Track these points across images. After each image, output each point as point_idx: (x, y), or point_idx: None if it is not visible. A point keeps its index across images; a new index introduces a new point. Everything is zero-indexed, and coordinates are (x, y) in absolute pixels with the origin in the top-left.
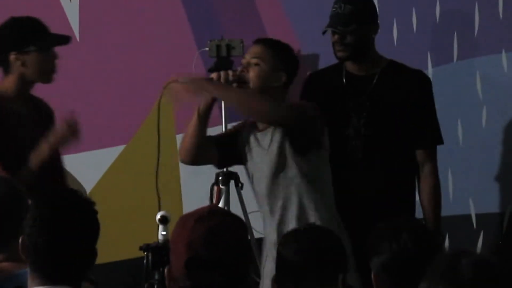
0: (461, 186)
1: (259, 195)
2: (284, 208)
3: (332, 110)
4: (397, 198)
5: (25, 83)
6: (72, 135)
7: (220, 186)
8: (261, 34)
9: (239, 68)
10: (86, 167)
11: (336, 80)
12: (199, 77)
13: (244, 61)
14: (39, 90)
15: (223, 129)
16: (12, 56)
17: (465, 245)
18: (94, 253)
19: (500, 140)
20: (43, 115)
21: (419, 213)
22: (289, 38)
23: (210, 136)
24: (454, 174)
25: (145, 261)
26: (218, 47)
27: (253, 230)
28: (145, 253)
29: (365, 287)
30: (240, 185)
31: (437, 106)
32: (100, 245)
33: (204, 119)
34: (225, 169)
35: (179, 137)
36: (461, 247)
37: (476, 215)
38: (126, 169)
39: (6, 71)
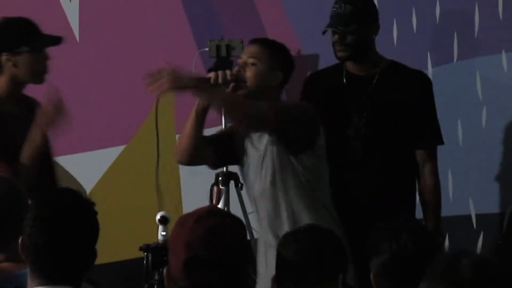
0: (461, 186)
1: (254, 196)
2: (280, 209)
3: (332, 110)
4: (397, 198)
5: (16, 84)
6: (59, 113)
7: (220, 187)
8: (261, 34)
9: (236, 68)
10: (86, 168)
11: (336, 80)
12: (194, 78)
13: (240, 61)
14: (40, 90)
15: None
16: (3, 57)
17: (465, 245)
18: (94, 254)
19: (500, 140)
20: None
21: (419, 213)
22: (289, 38)
23: (205, 136)
24: (454, 174)
25: (145, 262)
26: (218, 47)
27: (253, 230)
28: (145, 253)
29: (363, 287)
30: (240, 185)
31: (437, 106)
32: (100, 245)
33: (201, 119)
34: (224, 170)
35: (179, 137)
36: (461, 247)
37: (476, 215)
38: (126, 170)
39: None
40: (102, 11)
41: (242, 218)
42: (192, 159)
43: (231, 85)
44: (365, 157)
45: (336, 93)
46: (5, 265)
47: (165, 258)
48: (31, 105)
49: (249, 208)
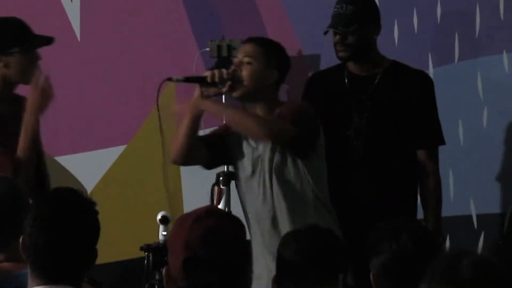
0: (462, 186)
1: (249, 195)
2: (280, 209)
3: (333, 110)
4: (398, 199)
5: (8, 84)
6: (47, 96)
7: (221, 187)
8: (262, 34)
9: (232, 67)
10: (87, 167)
11: (338, 80)
12: (197, 98)
13: (236, 60)
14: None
15: None
16: None
17: (466, 245)
18: (94, 253)
19: (501, 141)
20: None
21: (420, 214)
22: (290, 38)
23: (200, 136)
24: (455, 175)
25: (145, 261)
26: (219, 47)
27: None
28: (146, 253)
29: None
30: None
31: (438, 106)
32: (101, 245)
33: (197, 119)
34: (225, 169)
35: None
36: (461, 247)
37: (477, 215)
38: (126, 169)
39: None
40: (103, 11)
41: (243, 218)
42: (186, 159)
43: (228, 84)
44: (365, 157)
45: (337, 93)
46: (5, 265)
47: (165, 258)
48: (23, 104)
49: None
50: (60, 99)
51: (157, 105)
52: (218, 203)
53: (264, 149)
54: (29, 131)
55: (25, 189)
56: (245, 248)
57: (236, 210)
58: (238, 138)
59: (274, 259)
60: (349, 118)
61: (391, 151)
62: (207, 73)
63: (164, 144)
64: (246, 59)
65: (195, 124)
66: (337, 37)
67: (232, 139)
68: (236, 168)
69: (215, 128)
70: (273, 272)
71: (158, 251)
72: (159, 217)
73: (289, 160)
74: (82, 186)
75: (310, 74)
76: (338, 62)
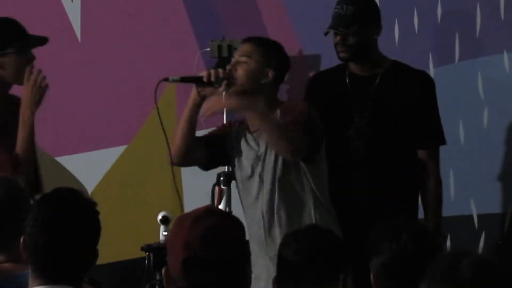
0: (463, 186)
1: (247, 196)
2: (278, 210)
3: (334, 110)
4: (399, 199)
5: (2, 85)
6: (41, 88)
7: (222, 187)
8: (262, 34)
9: (228, 67)
10: (87, 168)
11: (339, 81)
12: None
13: (233, 59)
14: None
15: None
16: None
17: (467, 245)
18: (95, 254)
19: (502, 141)
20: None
21: (421, 214)
22: (291, 38)
23: (198, 137)
24: (455, 175)
25: (146, 262)
26: (220, 47)
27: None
28: (147, 253)
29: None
30: None
31: (438, 107)
32: (102, 245)
33: (194, 119)
34: (226, 169)
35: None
36: (462, 247)
37: (478, 215)
38: (127, 169)
39: None
40: (104, 12)
41: (244, 218)
42: (184, 159)
43: (224, 83)
44: (366, 157)
45: (338, 93)
46: (6, 265)
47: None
48: (18, 105)
49: None
50: (60, 99)
51: (156, 105)
52: (219, 203)
53: (267, 150)
54: (27, 126)
55: (25, 189)
56: (245, 248)
57: (237, 210)
58: (237, 138)
59: (272, 260)
60: (350, 118)
61: (392, 151)
62: (203, 73)
63: (168, 144)
64: (243, 59)
65: (191, 124)
66: (338, 37)
67: (231, 139)
68: (234, 168)
69: (214, 128)
70: (272, 273)
71: (158, 251)
72: (159, 217)
73: (295, 164)
74: (82, 186)
75: (310, 74)
76: (338, 62)
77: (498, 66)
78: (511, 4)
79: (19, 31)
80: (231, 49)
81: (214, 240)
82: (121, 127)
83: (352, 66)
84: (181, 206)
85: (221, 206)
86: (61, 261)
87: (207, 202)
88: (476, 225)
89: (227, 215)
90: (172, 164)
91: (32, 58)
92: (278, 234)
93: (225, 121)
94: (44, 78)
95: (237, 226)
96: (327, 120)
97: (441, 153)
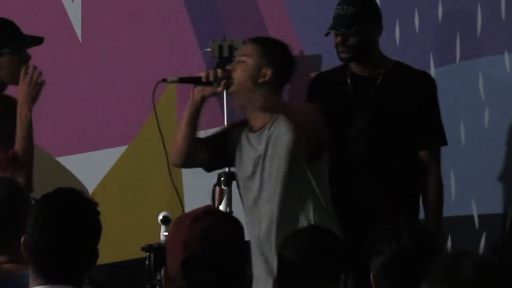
0: (464, 186)
1: (248, 195)
2: (278, 211)
3: (336, 111)
4: (400, 199)
5: None
6: (38, 83)
7: (222, 187)
8: (263, 34)
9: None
10: (88, 168)
11: (340, 81)
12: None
13: (235, 60)
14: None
15: None
16: None
17: (467, 245)
18: (95, 254)
19: (503, 141)
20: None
21: (422, 214)
22: (292, 38)
23: (200, 138)
24: (456, 175)
25: (147, 262)
26: (220, 47)
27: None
28: (147, 253)
29: None
30: None
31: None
32: (102, 246)
33: (194, 120)
34: (227, 170)
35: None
36: (463, 247)
37: (479, 215)
38: (128, 170)
39: None
40: (104, 12)
41: (244, 218)
42: (186, 160)
43: (222, 82)
44: (367, 157)
45: (339, 93)
46: (8, 266)
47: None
48: (14, 105)
49: None
50: (61, 99)
51: (154, 106)
52: (220, 203)
53: (268, 150)
54: (25, 125)
55: (26, 190)
56: (244, 248)
57: (238, 210)
58: (239, 138)
59: (271, 261)
60: (351, 118)
61: (393, 151)
62: (202, 73)
63: (165, 146)
64: (243, 58)
65: (193, 125)
66: (339, 38)
67: (233, 139)
68: (236, 168)
69: (217, 130)
70: (271, 274)
71: (159, 251)
72: (160, 217)
73: (298, 165)
74: (83, 186)
75: (312, 75)
76: (339, 63)
77: (499, 66)
78: None
79: (14, 31)
80: (231, 49)
81: (213, 240)
82: (121, 127)
83: (354, 67)
84: (182, 206)
85: (221, 207)
86: (61, 261)
87: (208, 202)
88: (477, 226)
89: (226, 215)
90: (174, 165)
91: (27, 58)
92: (278, 235)
93: (225, 121)
94: (40, 73)
95: (236, 226)
96: (329, 120)
97: (442, 153)
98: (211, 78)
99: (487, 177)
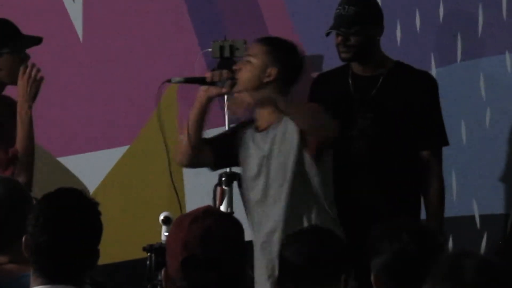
0: (465, 186)
1: (251, 196)
2: (280, 211)
3: (337, 111)
4: (402, 199)
5: None
6: (36, 80)
7: (223, 187)
8: (264, 34)
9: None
10: (89, 168)
11: (342, 81)
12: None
13: (241, 60)
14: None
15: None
16: None
17: (469, 246)
18: (96, 254)
19: (504, 141)
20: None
21: (423, 215)
22: (293, 39)
23: (205, 138)
24: (457, 175)
25: (148, 262)
26: (221, 47)
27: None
28: (148, 253)
29: None
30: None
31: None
32: (104, 246)
33: (200, 120)
34: (228, 170)
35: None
36: (464, 248)
37: (480, 216)
38: (129, 170)
39: None
40: (106, 12)
41: (244, 218)
42: (192, 160)
43: (227, 82)
44: (369, 157)
45: (341, 93)
46: (9, 266)
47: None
48: (12, 106)
49: None
50: (62, 99)
51: (158, 107)
52: (221, 203)
53: (273, 151)
54: (25, 124)
55: (27, 189)
56: (244, 248)
57: (239, 211)
58: (244, 137)
59: (273, 261)
60: (352, 118)
61: (394, 151)
62: (207, 74)
63: (167, 145)
64: (248, 58)
65: (199, 124)
66: (339, 38)
67: (239, 139)
68: (241, 168)
69: (225, 130)
70: (273, 275)
71: (160, 251)
72: (161, 217)
73: (303, 165)
74: (84, 186)
75: (313, 75)
76: (340, 62)
77: (500, 66)
78: None
79: (13, 31)
80: (233, 49)
81: (213, 240)
82: (122, 127)
83: (355, 67)
84: (180, 206)
85: (222, 207)
86: (62, 261)
87: (209, 202)
88: (478, 226)
89: (227, 216)
90: (180, 165)
91: (26, 58)
92: (280, 235)
93: (226, 121)
94: (38, 70)
95: (236, 226)
96: None
97: (443, 153)
98: (216, 78)
99: (488, 177)
